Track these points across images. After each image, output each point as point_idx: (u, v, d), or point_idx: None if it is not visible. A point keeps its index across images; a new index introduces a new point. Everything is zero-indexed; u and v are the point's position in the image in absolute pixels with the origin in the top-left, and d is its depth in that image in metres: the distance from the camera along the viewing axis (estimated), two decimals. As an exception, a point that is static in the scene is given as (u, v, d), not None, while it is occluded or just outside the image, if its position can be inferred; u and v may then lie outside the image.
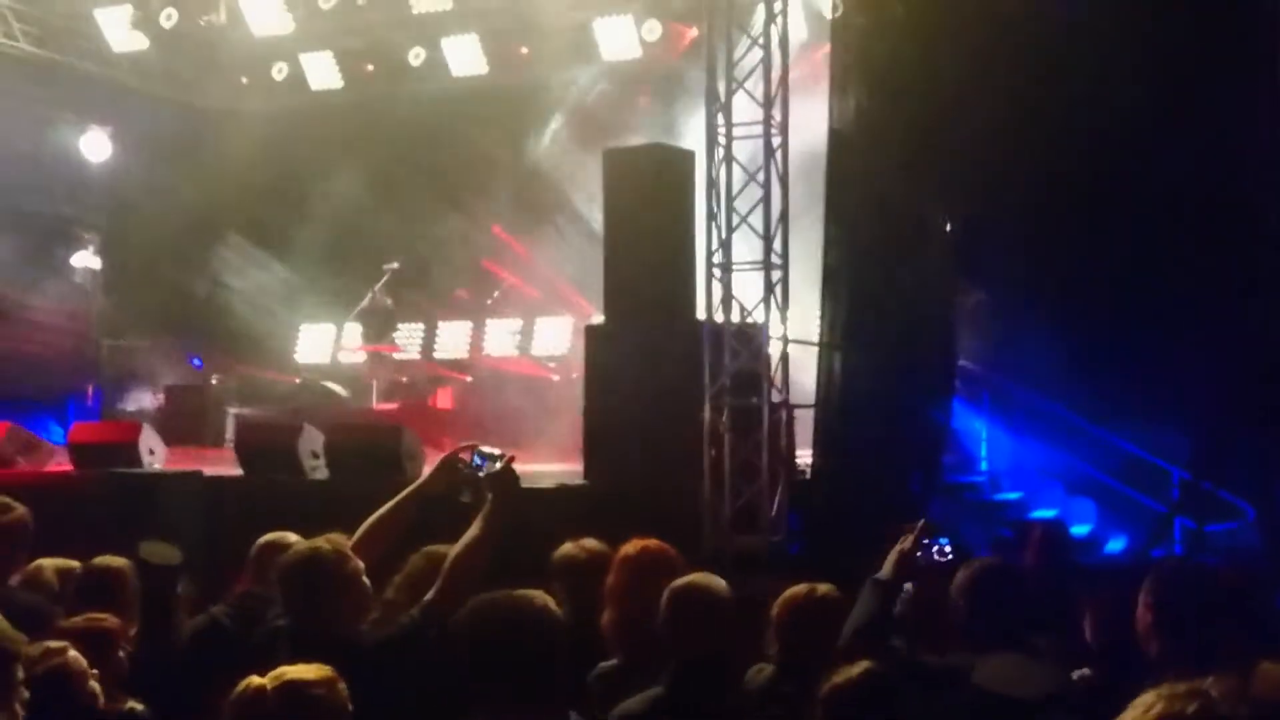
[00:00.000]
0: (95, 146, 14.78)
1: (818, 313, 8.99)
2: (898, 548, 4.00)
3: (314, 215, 14.69)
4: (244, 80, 15.29)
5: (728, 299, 8.28)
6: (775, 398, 8.23)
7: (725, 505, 8.01)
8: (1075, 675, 3.77)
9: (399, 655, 3.52)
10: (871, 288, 8.88)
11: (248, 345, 14.78)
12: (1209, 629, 3.73)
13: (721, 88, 8.28)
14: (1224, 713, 2.01)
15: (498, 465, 3.89)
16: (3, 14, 13.77)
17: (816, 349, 8.95)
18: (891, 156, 8.79)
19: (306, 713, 2.86)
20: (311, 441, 9.10)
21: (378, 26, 14.25)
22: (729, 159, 8.27)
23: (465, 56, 14.11)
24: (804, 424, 8.89)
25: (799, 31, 11.01)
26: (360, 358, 14.20)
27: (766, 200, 8.17)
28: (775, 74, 8.23)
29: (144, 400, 14.06)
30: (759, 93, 8.26)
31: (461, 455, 3.99)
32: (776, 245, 8.22)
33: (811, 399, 8.80)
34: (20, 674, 3.14)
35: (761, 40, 8.23)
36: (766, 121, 8.18)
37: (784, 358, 8.37)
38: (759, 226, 8.23)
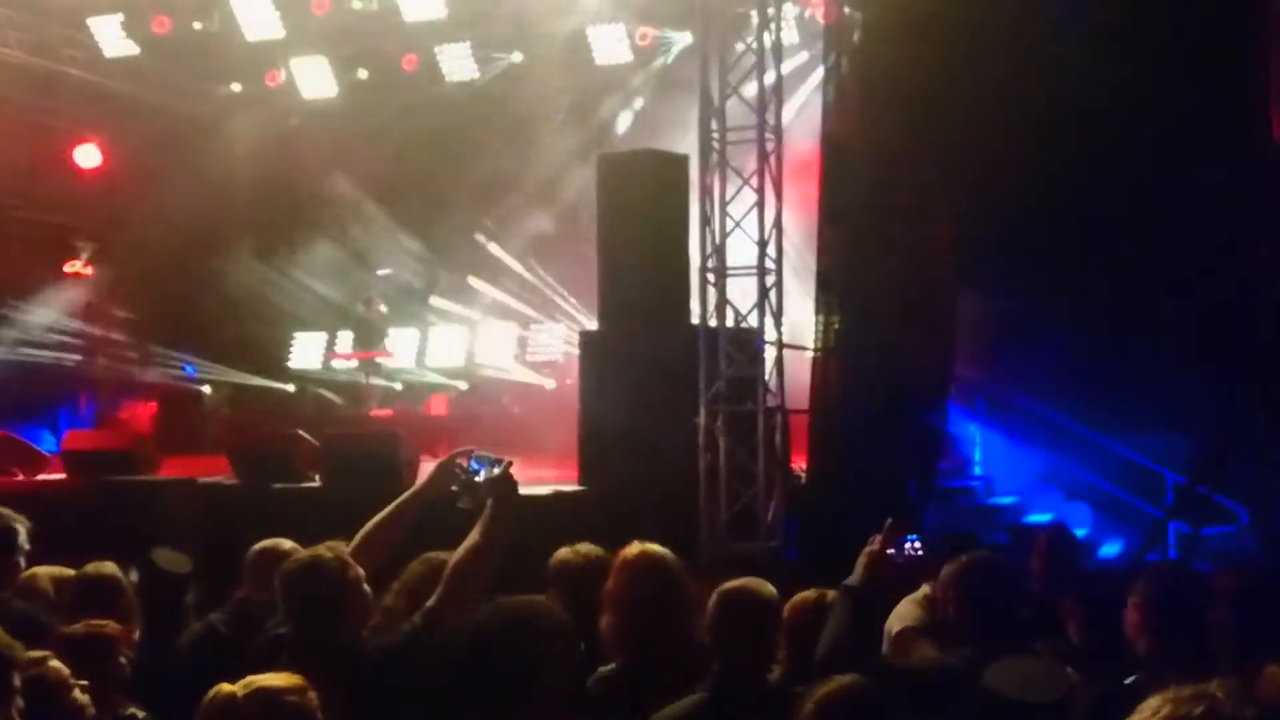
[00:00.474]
0: (88, 154, 14.76)
1: (813, 318, 9.01)
2: (866, 549, 3.99)
3: (307, 222, 14.68)
4: (237, 87, 15.27)
5: (722, 304, 8.28)
6: (771, 403, 8.22)
7: (722, 511, 8.01)
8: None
9: (401, 663, 3.50)
10: (866, 292, 8.88)
11: (240, 352, 14.75)
12: (1195, 629, 3.78)
13: (715, 93, 8.29)
14: (1230, 715, 2.00)
15: (497, 471, 3.86)
16: (-4, 21, 13.76)
17: (811, 354, 8.96)
18: (886, 160, 8.80)
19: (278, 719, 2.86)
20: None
21: (370, 33, 14.24)
22: (723, 164, 8.28)
23: (458, 64, 14.11)
24: (799, 429, 8.89)
25: (791, 36, 11.02)
26: (353, 365, 14.18)
27: (760, 205, 8.18)
28: (769, 79, 8.23)
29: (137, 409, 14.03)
30: (753, 97, 8.26)
31: (460, 460, 3.97)
32: (771, 250, 8.21)
33: (807, 404, 8.79)
34: (18, 681, 3.12)
35: (755, 45, 8.23)
36: (760, 126, 8.19)
37: (779, 363, 8.36)
38: (753, 231, 8.22)
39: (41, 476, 10.28)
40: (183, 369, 14.78)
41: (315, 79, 14.76)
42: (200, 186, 14.29)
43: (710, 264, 8.29)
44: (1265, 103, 8.18)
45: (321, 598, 3.60)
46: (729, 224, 8.27)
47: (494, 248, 14.51)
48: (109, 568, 4.50)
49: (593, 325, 9.31)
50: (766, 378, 8.21)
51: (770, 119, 8.24)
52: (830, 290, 8.93)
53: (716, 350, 8.20)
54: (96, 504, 8.83)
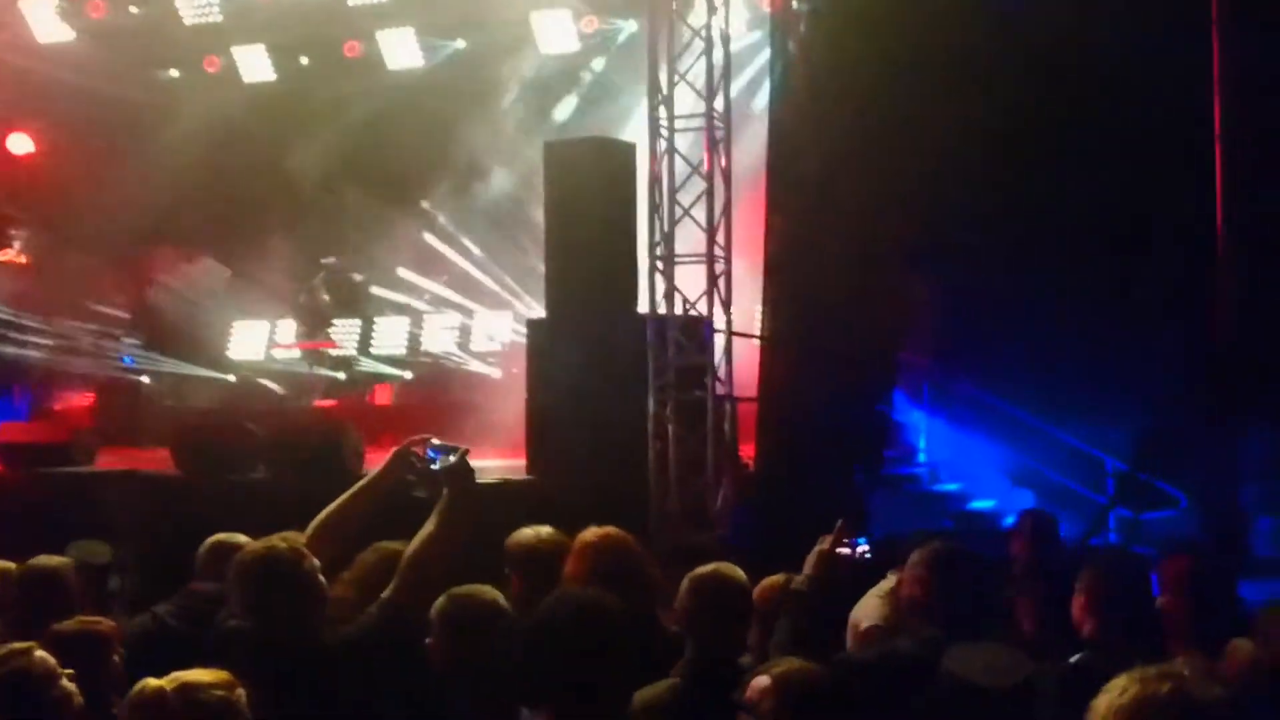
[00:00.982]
0: (20, 142, 14.45)
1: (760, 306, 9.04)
2: (816, 548, 4.00)
3: (248, 210, 14.48)
4: (175, 73, 15.02)
5: (671, 292, 8.25)
6: (720, 391, 8.22)
7: (672, 499, 8.00)
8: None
9: (360, 655, 3.45)
10: (813, 281, 8.92)
11: (180, 343, 14.52)
12: (1139, 612, 3.85)
13: (663, 80, 8.26)
14: (1197, 693, 2.02)
15: (452, 459, 3.81)
16: (-77, 5, 13.43)
17: (760, 342, 8.98)
18: (833, 148, 8.83)
19: (204, 715, 2.83)
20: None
21: (312, 19, 14.05)
22: (671, 151, 8.25)
23: (401, 50, 13.97)
24: (748, 418, 8.90)
25: (740, 24, 11.01)
26: (295, 354, 14.02)
27: (710, 193, 8.16)
28: (717, 66, 8.22)
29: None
30: (701, 84, 8.24)
31: (415, 449, 3.92)
32: (720, 238, 8.20)
33: (755, 392, 8.81)
34: None
35: (703, 33, 8.21)
36: (709, 114, 8.17)
37: (728, 351, 8.37)
38: (702, 219, 8.21)
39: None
40: (121, 359, 14.54)
41: (255, 65, 14.55)
42: (138, 174, 14.05)
43: (659, 252, 8.27)
44: (1211, 95, 8.30)
45: (278, 589, 3.54)
46: (677, 212, 8.25)
47: (439, 236, 14.40)
48: (54, 561, 4.42)
49: (540, 314, 9.24)
50: (716, 366, 8.20)
51: (719, 106, 8.22)
52: (777, 279, 8.96)
53: (665, 338, 8.18)
54: (33, 497, 8.65)
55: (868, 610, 4.81)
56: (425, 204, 14.20)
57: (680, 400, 8.14)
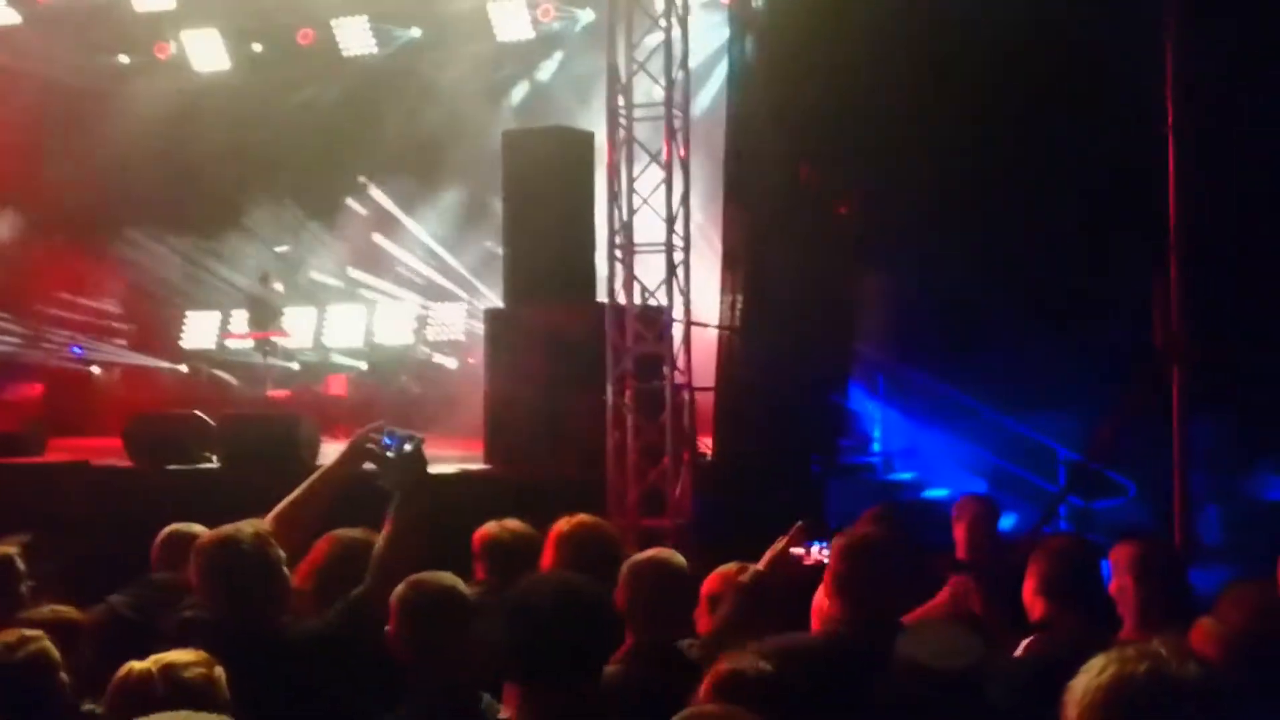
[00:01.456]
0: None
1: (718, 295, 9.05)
2: (773, 548, 4.00)
3: (200, 198, 14.32)
4: (125, 59, 14.81)
5: (629, 281, 8.24)
6: (678, 380, 8.23)
7: (630, 488, 8.00)
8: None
9: (327, 650, 3.41)
10: (770, 271, 8.95)
11: (131, 332, 14.36)
12: (1090, 598, 3.88)
13: (622, 69, 8.23)
14: (1174, 671, 2.04)
15: (408, 448, 3.78)
16: None
17: (717, 332, 9.00)
18: (790, 139, 8.86)
19: (187, 695, 2.83)
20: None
21: (265, 5, 13.91)
22: (630, 140, 8.23)
23: (356, 37, 13.86)
24: (706, 407, 8.93)
25: (699, 12, 11.00)
26: (248, 345, 13.89)
27: (668, 182, 8.15)
28: (676, 55, 8.21)
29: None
30: (660, 73, 8.22)
31: (372, 436, 3.88)
32: (678, 227, 8.20)
33: (714, 381, 8.84)
34: None
35: (662, 21, 8.20)
36: (668, 103, 8.16)
37: (686, 340, 8.37)
38: (661, 208, 8.21)
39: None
40: (70, 349, 14.35)
41: (207, 52, 14.39)
42: (86, 161, 13.87)
43: (617, 241, 8.25)
44: (1162, 94, 8.39)
45: (241, 576, 3.50)
46: (636, 201, 8.24)
47: (394, 225, 14.31)
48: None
49: (497, 303, 9.22)
50: (674, 355, 8.21)
51: (678, 96, 8.22)
52: (735, 269, 8.99)
53: (624, 327, 8.18)
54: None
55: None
56: (380, 192, 14.11)
57: (638, 389, 8.14)
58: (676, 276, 8.18)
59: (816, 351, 9.22)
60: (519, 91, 13.43)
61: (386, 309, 14.57)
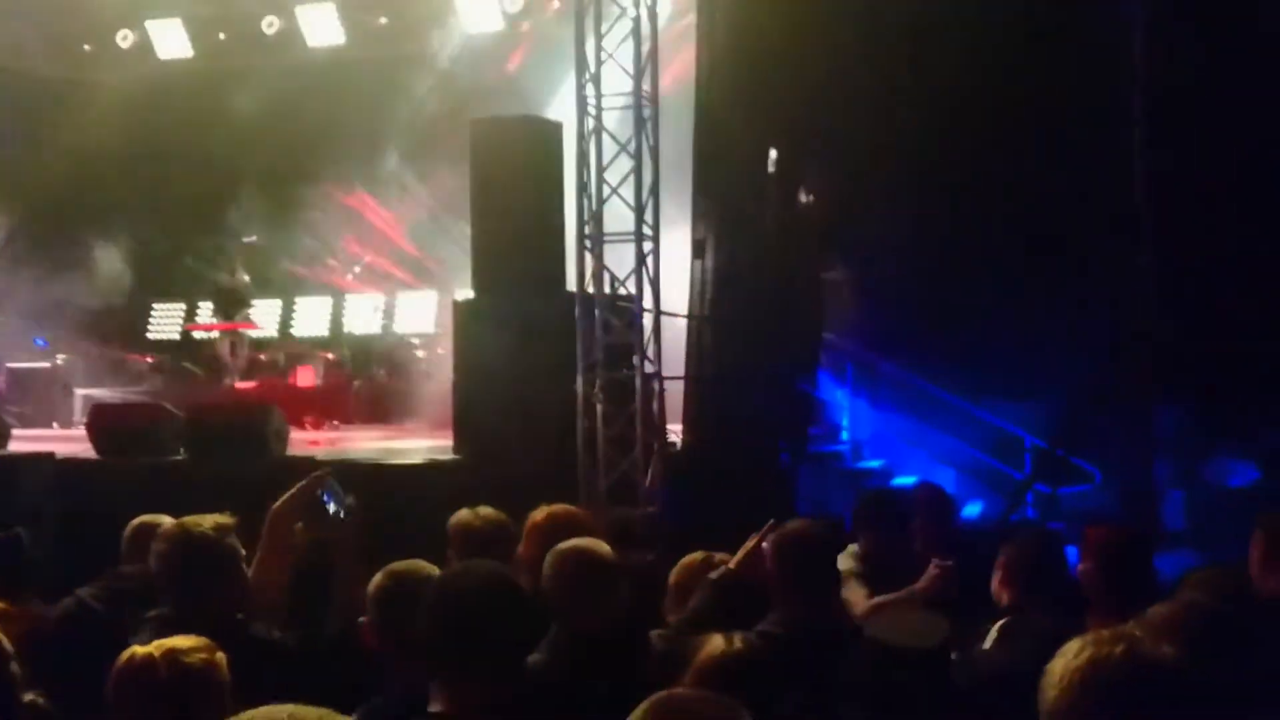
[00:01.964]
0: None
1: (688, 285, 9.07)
2: (747, 545, 4.01)
3: (165, 188, 14.21)
4: (87, 48, 14.66)
5: (599, 271, 8.24)
6: (648, 369, 8.23)
7: (600, 478, 8.00)
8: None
9: (291, 662, 3.38)
10: (739, 260, 8.97)
11: (96, 324, 14.22)
12: (1056, 585, 3.97)
13: (591, 58, 8.21)
14: (1150, 654, 2.07)
15: (341, 514, 3.68)
16: None
17: (687, 321, 9.02)
18: (758, 130, 8.88)
19: (190, 680, 2.85)
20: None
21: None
22: (599, 130, 8.22)
23: (322, 26, 13.77)
24: (676, 396, 8.95)
25: (666, 2, 11.00)
26: (215, 336, 13.79)
27: (638, 171, 8.14)
28: (645, 44, 8.20)
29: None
30: (629, 63, 8.21)
31: (318, 489, 3.78)
32: (648, 217, 8.20)
33: (683, 371, 8.85)
34: None
35: (631, 11, 8.18)
36: (637, 92, 8.15)
37: (656, 330, 8.38)
38: (630, 198, 8.20)
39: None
40: (34, 341, 14.20)
41: (171, 40, 14.26)
42: (50, 151, 13.73)
43: (587, 230, 8.24)
44: (1131, 85, 8.47)
45: (198, 567, 3.49)
46: (605, 190, 8.23)
47: (361, 215, 14.24)
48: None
49: (466, 293, 9.19)
50: (644, 344, 8.21)
51: (647, 84, 8.21)
52: (704, 258, 9.00)
53: (594, 317, 8.17)
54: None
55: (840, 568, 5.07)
56: (348, 182, 14.03)
57: (608, 379, 8.14)
58: (646, 266, 8.17)
59: (785, 340, 9.26)
60: (488, 80, 13.36)
61: (355, 299, 14.51)
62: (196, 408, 9.30)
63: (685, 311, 9.10)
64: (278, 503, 3.86)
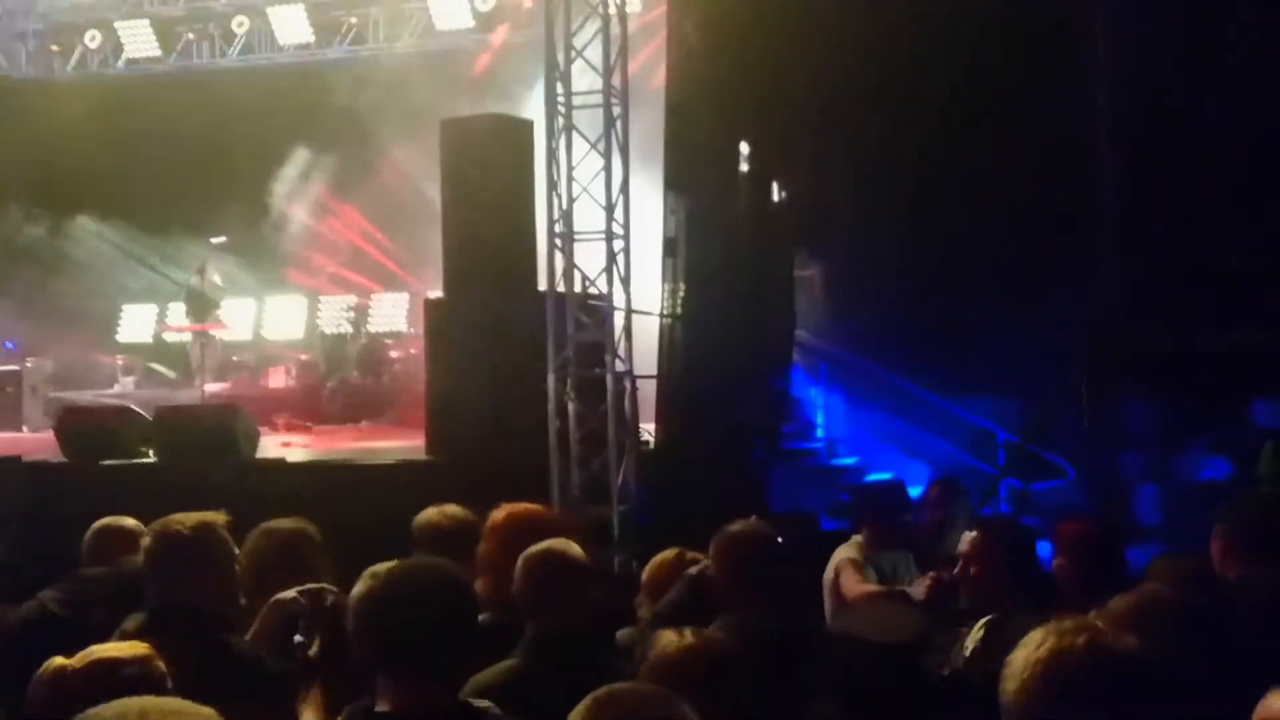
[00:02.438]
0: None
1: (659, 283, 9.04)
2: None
3: (134, 189, 14.10)
4: (55, 48, 14.55)
5: (570, 270, 8.21)
6: (619, 368, 8.21)
7: (572, 477, 7.98)
8: None
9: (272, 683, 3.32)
10: (711, 258, 8.95)
11: (65, 326, 14.11)
12: (1026, 578, 3.96)
13: (560, 57, 8.19)
14: (1111, 644, 2.07)
15: (309, 652, 3.37)
16: None
17: (659, 320, 8.99)
18: (729, 127, 8.86)
19: (119, 691, 2.72)
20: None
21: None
22: (569, 128, 8.19)
23: (291, 26, 13.70)
24: (648, 394, 8.93)
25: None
26: (186, 338, 13.70)
27: (607, 170, 8.12)
28: (615, 42, 8.18)
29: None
30: (598, 61, 8.19)
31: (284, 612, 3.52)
32: (618, 215, 8.18)
33: (655, 369, 8.83)
34: None
35: (600, 8, 8.16)
36: (606, 90, 8.12)
37: (627, 328, 8.36)
38: (600, 196, 8.18)
39: None
40: (3, 344, 14.09)
41: (140, 40, 14.17)
42: (18, 152, 13.62)
43: (557, 229, 8.22)
44: (1095, 82, 8.52)
45: (185, 563, 3.46)
46: (575, 189, 8.21)
47: (333, 215, 14.18)
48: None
49: (437, 294, 9.15)
50: (616, 343, 8.19)
51: (616, 82, 8.19)
52: (675, 256, 8.98)
53: (565, 316, 8.15)
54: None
55: (840, 554, 5.46)
56: (319, 181, 13.97)
57: (580, 378, 8.12)
58: (616, 264, 8.15)
59: (758, 338, 9.25)
60: (459, 80, 13.31)
61: (328, 300, 14.44)
62: (165, 410, 9.24)
63: (657, 310, 9.08)
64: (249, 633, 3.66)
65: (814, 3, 8.65)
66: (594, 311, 8.23)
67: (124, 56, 14.23)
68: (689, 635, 2.81)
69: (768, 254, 9.47)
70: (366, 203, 13.95)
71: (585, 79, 8.30)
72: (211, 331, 13.21)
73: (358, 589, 3.24)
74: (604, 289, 8.19)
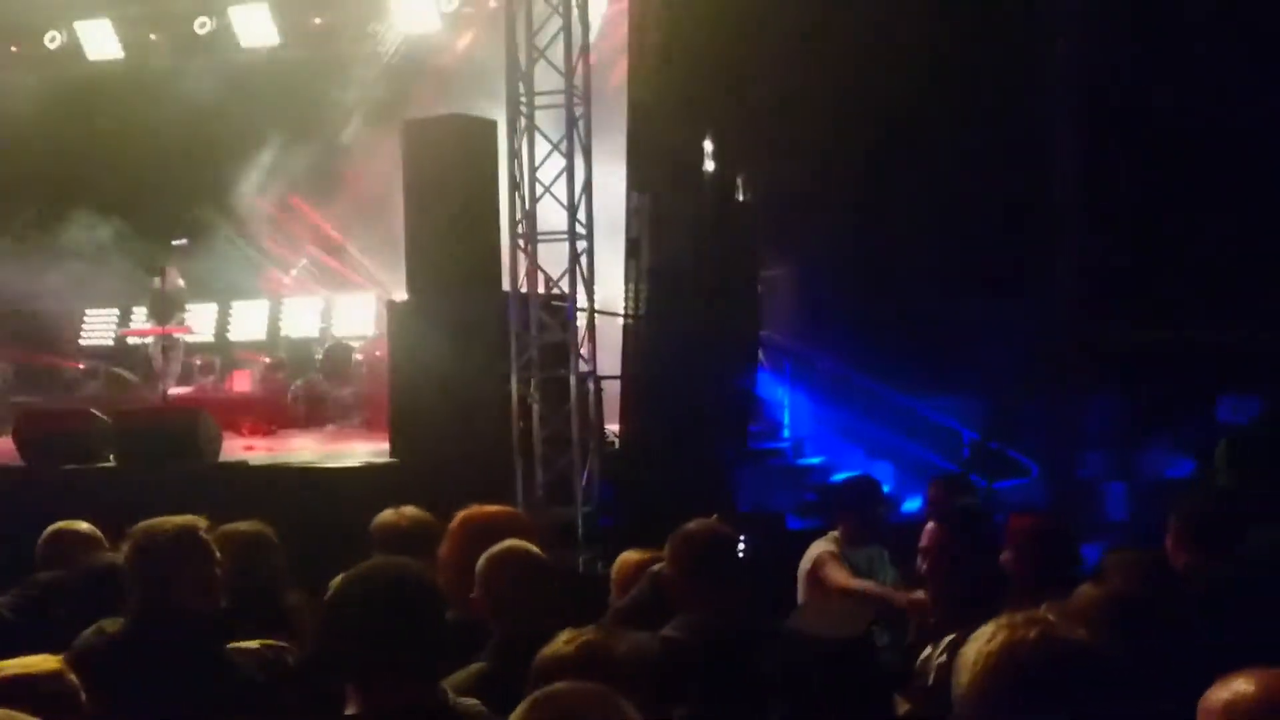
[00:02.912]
0: None
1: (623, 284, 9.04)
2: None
3: (96, 191, 13.96)
4: (13, 49, 14.39)
5: (533, 270, 8.20)
6: (583, 369, 8.21)
7: (537, 478, 7.97)
8: None
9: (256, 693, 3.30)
10: (675, 258, 8.95)
11: (25, 330, 13.96)
12: (980, 570, 3.90)
13: (522, 57, 8.18)
14: (1063, 636, 2.08)
15: None
16: None
17: (623, 320, 8.99)
18: (692, 126, 8.86)
19: (30, 704, 2.62)
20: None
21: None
22: (531, 129, 8.18)
23: (255, 27, 13.60)
24: (613, 395, 8.92)
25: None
26: (149, 341, 13.58)
27: (570, 170, 8.12)
28: (576, 42, 8.17)
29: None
30: (560, 61, 8.18)
31: None
32: (581, 215, 8.17)
33: (620, 370, 8.83)
34: None
35: (561, 8, 8.15)
36: (569, 91, 8.12)
37: (591, 329, 8.35)
38: (563, 197, 8.17)
39: None
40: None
41: (100, 41, 14.03)
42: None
43: (520, 229, 8.20)
44: (1056, 79, 8.59)
45: (167, 565, 3.44)
46: (539, 189, 8.19)
47: (297, 217, 14.09)
48: None
49: (401, 295, 9.11)
50: (579, 344, 8.18)
51: (578, 83, 8.18)
52: (638, 257, 8.98)
53: (528, 316, 8.13)
54: None
55: (817, 548, 5.56)
56: (284, 183, 13.87)
57: (544, 379, 8.10)
58: (580, 265, 8.15)
59: (723, 338, 9.25)
60: (420, 80, 13.25)
61: (292, 302, 14.34)
62: (125, 413, 9.16)
63: (621, 310, 9.08)
64: None
65: (775, 4, 8.66)
66: (557, 312, 8.22)
67: (85, 57, 14.08)
68: (639, 638, 2.80)
69: (732, 253, 9.48)
70: (332, 204, 13.86)
71: (548, 79, 8.29)
72: (175, 335, 13.10)
73: (330, 595, 3.23)
74: (567, 289, 8.18)
